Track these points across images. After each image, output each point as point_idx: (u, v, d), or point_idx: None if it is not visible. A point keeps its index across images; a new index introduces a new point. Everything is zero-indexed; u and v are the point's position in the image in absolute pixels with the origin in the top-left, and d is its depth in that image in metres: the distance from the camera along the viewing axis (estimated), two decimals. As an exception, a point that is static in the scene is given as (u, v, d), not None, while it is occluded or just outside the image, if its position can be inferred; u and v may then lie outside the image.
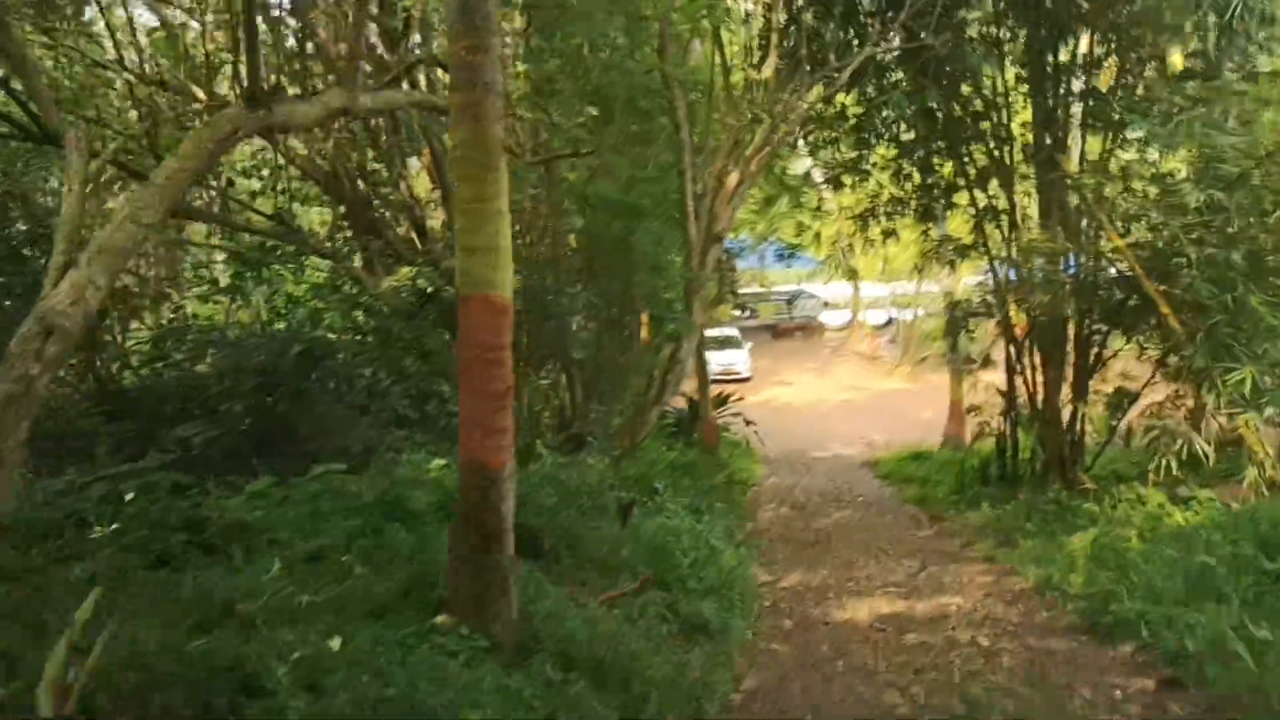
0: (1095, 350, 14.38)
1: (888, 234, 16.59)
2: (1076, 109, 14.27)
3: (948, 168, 16.01)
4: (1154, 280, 11.71)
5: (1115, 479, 14.45)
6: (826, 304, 48.18)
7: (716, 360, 35.73)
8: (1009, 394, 15.32)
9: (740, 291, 41.22)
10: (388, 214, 10.39)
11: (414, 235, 10.49)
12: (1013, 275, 14.89)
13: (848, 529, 13.19)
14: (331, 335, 10.24)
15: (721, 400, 24.04)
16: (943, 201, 15.97)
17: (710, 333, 36.66)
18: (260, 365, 8.85)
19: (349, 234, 11.06)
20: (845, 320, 45.76)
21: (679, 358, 11.86)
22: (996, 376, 15.94)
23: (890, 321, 43.77)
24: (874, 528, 13.31)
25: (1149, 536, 8.70)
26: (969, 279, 20.47)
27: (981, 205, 15.13)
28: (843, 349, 42.26)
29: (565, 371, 12.55)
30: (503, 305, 5.90)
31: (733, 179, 12.08)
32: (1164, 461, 10.34)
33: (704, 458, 19.55)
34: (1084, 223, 13.47)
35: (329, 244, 10.99)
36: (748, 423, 23.75)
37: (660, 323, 12.59)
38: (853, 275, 16.88)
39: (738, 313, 45.26)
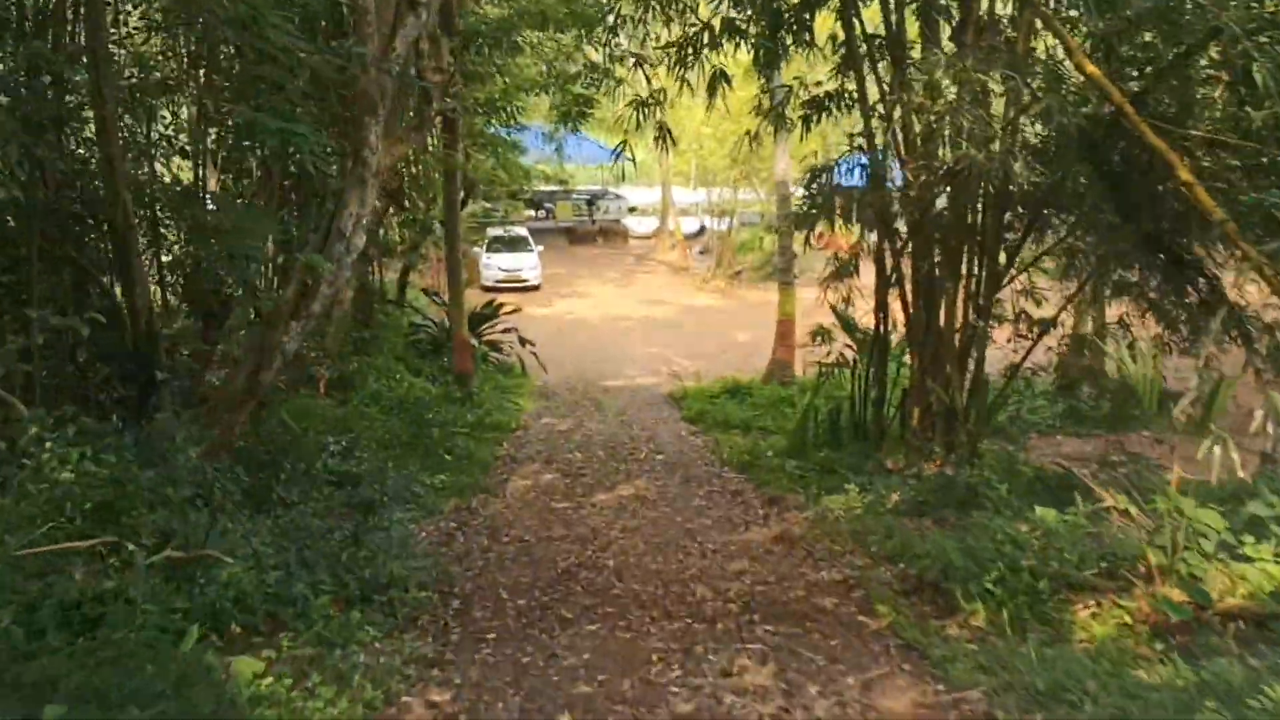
0: (1007, 256, 9.84)
1: (716, 79, 11.32)
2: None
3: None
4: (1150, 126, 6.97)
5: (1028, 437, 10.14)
6: (633, 209, 43.14)
7: (498, 264, 30.25)
8: (879, 313, 10.59)
9: (538, 187, 35.60)
10: None
11: None
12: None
13: (638, 524, 8.18)
14: None
15: (489, 313, 18.66)
16: (795, 28, 10.83)
17: (494, 232, 31.08)
18: None
19: None
20: (652, 227, 40.87)
21: (339, 228, 6.33)
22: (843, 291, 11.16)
23: (702, 230, 39.22)
24: (679, 522, 8.34)
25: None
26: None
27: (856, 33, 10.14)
28: (649, 258, 37.41)
29: (120, 263, 6.77)
30: None
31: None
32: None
33: (451, 391, 14.25)
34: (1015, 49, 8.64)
35: None
36: (524, 342, 18.52)
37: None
38: (664, 138, 11.36)
39: (530, 212, 39.70)
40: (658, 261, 36.80)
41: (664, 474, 10.77)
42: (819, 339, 11.78)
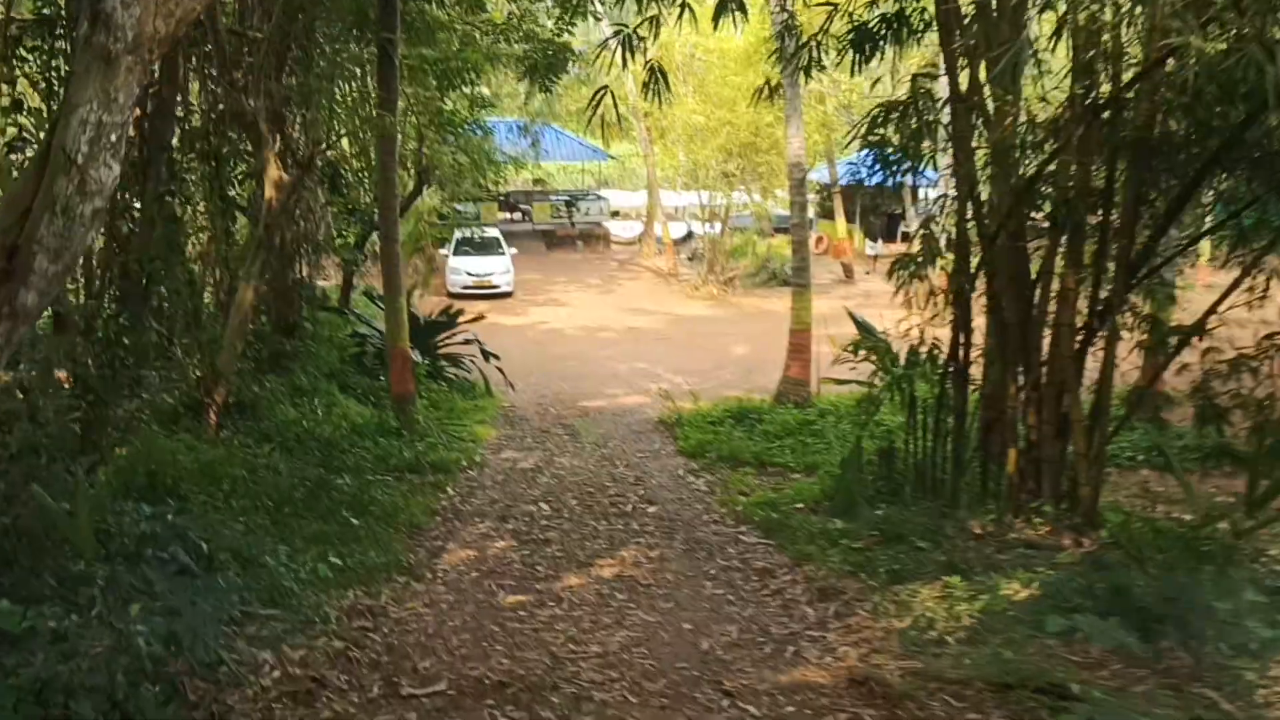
0: (1152, 235, 7.00)
1: (725, 3, 8.42)
2: None
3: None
4: None
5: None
6: (616, 213, 40.22)
7: (466, 268, 27.25)
8: (959, 319, 7.69)
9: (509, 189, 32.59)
10: None
11: None
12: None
13: (625, 641, 5.31)
14: None
15: (446, 321, 15.67)
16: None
17: (460, 233, 28.02)
18: None
19: None
20: (637, 231, 37.96)
21: (60, 148, 3.36)
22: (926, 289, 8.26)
23: (690, 235, 36.30)
24: (688, 635, 5.44)
25: None
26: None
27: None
28: (633, 264, 34.45)
29: None
30: None
31: None
32: None
33: (386, 419, 11.30)
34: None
35: None
36: (487, 355, 15.55)
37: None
38: (655, 81, 8.40)
39: (505, 214, 36.70)
40: (643, 267, 33.87)
41: (660, 538, 7.84)
42: (860, 352, 8.90)
